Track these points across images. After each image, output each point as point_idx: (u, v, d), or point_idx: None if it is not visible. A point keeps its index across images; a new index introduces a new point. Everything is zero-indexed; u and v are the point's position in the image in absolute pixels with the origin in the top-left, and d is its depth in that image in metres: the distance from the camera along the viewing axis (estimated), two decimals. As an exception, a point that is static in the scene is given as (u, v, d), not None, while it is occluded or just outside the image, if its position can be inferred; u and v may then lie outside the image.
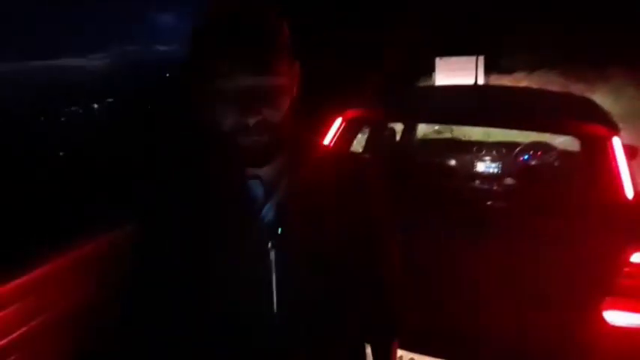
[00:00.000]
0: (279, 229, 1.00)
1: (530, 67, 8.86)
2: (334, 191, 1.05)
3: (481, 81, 7.38)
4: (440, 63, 7.65)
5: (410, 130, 4.00)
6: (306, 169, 1.04)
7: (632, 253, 1.76)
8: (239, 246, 1.01)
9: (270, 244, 1.00)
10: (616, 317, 1.78)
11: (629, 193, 2.03)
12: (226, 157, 1.01)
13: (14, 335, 1.62)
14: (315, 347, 1.06)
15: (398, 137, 3.83)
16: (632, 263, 1.76)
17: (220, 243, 1.01)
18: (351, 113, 2.58)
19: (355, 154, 1.71)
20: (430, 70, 7.89)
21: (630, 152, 2.34)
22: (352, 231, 1.06)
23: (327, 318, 1.06)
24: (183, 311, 1.07)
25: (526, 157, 3.39)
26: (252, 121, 0.90)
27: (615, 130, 2.22)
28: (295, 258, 1.01)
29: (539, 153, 3.39)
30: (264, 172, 1.01)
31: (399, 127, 3.92)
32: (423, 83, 8.30)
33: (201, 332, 1.06)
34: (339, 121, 2.55)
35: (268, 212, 1.01)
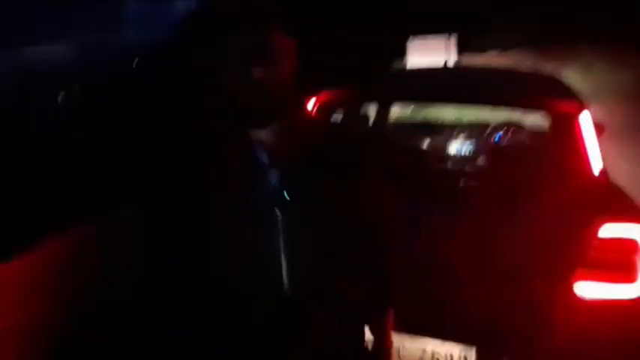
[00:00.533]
0: (285, 194, 1.04)
1: (502, 46, 8.93)
2: (334, 158, 1.09)
3: (454, 60, 7.41)
4: (413, 43, 7.66)
5: (383, 112, 4.00)
6: (301, 137, 1.08)
7: (599, 227, 1.81)
8: (249, 214, 1.04)
9: (277, 210, 1.04)
10: (586, 290, 1.83)
11: (597, 169, 2.07)
12: (228, 125, 1.06)
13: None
14: (318, 315, 1.08)
15: (371, 120, 3.83)
16: (599, 237, 1.81)
17: (230, 216, 1.04)
18: (324, 95, 2.56)
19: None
20: (403, 50, 7.89)
21: (597, 129, 2.39)
22: (353, 198, 1.10)
23: (329, 283, 1.09)
24: (183, 311, 1.08)
25: (497, 137, 3.44)
26: (254, 73, 0.97)
27: (582, 107, 2.26)
28: (300, 223, 1.05)
29: (510, 133, 3.44)
30: (265, 136, 1.05)
31: (372, 110, 3.92)
32: (397, 64, 8.30)
33: (202, 332, 1.07)
34: (312, 102, 2.53)
35: (273, 178, 1.05)
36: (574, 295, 1.84)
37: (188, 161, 1.09)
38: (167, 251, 1.07)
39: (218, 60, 0.99)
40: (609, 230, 1.82)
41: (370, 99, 3.29)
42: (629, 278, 1.81)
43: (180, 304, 1.08)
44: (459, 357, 1.94)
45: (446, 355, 1.96)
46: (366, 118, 3.68)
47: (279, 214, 1.04)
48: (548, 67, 7.77)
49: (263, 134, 1.05)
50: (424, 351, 1.97)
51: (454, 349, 1.94)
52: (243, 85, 0.98)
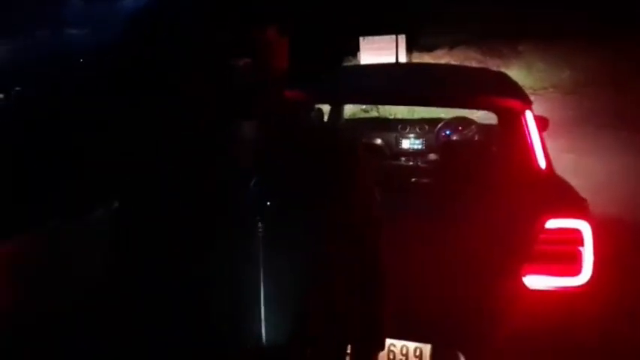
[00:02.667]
0: (267, 202, 0.98)
1: (450, 45, 9.16)
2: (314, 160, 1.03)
3: (403, 59, 7.55)
4: (364, 43, 7.75)
5: (337, 110, 4.01)
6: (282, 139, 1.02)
7: (546, 220, 1.86)
8: (229, 224, 0.99)
9: (258, 218, 0.98)
10: (534, 281, 1.88)
11: (542, 162, 2.14)
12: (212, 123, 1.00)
13: None
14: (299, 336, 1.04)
15: (325, 118, 3.83)
16: (547, 229, 1.86)
17: (213, 225, 0.99)
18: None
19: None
20: (355, 50, 7.97)
21: (541, 123, 2.47)
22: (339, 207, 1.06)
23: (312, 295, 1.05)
24: (182, 311, 1.04)
25: (448, 132, 3.50)
26: (239, 62, 0.92)
27: (528, 104, 2.33)
28: (281, 232, 0.99)
29: (460, 128, 3.51)
30: (249, 134, 0.99)
31: (326, 107, 3.92)
32: (348, 63, 8.36)
33: (201, 332, 1.04)
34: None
35: (256, 184, 0.99)
36: (523, 287, 1.89)
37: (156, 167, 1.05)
38: (151, 255, 1.04)
39: (197, 53, 0.95)
40: (555, 223, 1.87)
41: (322, 101, 3.28)
42: (575, 269, 1.87)
43: (179, 305, 1.04)
44: (414, 352, 1.96)
45: (401, 351, 1.97)
46: (321, 115, 3.67)
47: (260, 225, 0.98)
48: (494, 64, 8.02)
49: (246, 132, 0.99)
50: None
51: (410, 344, 1.96)
52: (224, 76, 0.94)
